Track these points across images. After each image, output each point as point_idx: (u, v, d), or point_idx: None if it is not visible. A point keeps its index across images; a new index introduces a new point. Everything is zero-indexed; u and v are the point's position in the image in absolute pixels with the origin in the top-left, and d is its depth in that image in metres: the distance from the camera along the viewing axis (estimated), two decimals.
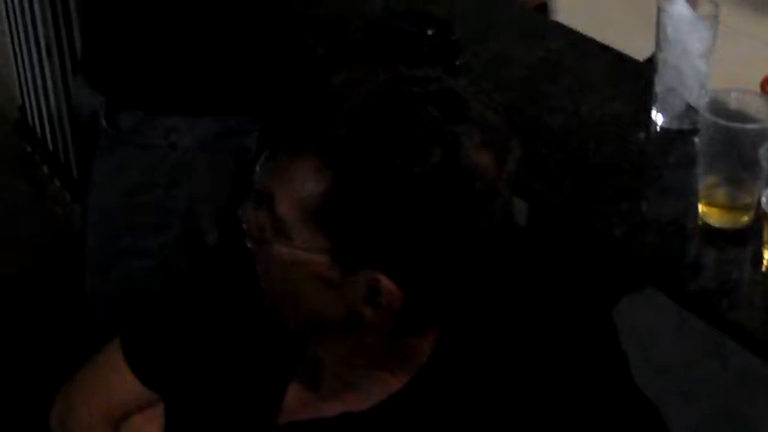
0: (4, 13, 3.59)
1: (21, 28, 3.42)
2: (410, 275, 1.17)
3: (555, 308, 1.40)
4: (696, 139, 1.58)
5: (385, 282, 1.17)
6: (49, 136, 3.53)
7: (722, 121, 1.44)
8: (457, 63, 1.79)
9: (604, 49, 1.96)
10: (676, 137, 1.70)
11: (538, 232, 1.68)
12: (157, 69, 1.83)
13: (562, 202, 1.58)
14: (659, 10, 1.66)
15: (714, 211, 1.50)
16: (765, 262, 1.43)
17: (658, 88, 1.71)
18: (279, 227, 1.20)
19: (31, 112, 3.67)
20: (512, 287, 1.37)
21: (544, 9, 2.55)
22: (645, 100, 1.75)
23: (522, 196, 1.57)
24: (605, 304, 1.58)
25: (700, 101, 1.52)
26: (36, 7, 3.18)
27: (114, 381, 1.50)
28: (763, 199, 1.41)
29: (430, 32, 1.77)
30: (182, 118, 1.83)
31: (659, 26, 1.67)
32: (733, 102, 1.50)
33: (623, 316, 1.52)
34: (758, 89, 2.23)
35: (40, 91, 3.44)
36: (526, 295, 1.39)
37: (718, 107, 1.47)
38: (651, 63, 1.75)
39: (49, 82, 3.30)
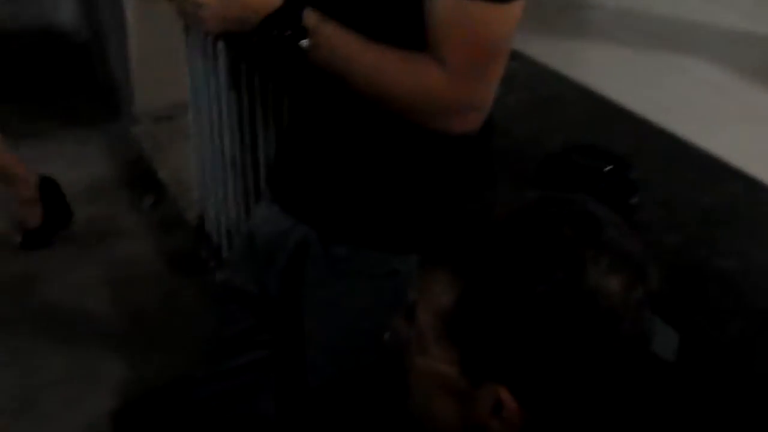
0: (192, 120, 3.74)
1: (207, 140, 3.56)
2: (530, 392, 1.19)
3: None
4: None
5: (506, 396, 1.19)
6: (224, 244, 3.64)
7: None
8: (632, 202, 1.81)
9: None
10: None
11: (686, 368, 1.65)
12: (369, 204, 1.85)
13: (726, 342, 1.57)
14: None
15: None
16: None
17: None
18: (419, 339, 1.25)
19: (210, 219, 3.80)
20: (652, 421, 1.37)
21: None
22: None
23: (678, 328, 1.56)
24: None
25: None
26: (224, 121, 3.31)
27: None
28: None
29: (607, 168, 1.79)
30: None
31: None
32: None
33: None
34: None
35: (220, 201, 3.55)
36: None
37: None
38: None
39: (230, 193, 3.41)
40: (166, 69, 4.40)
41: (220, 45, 3.19)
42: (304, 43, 1.68)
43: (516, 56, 2.01)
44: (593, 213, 1.22)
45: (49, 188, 4.07)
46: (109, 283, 3.85)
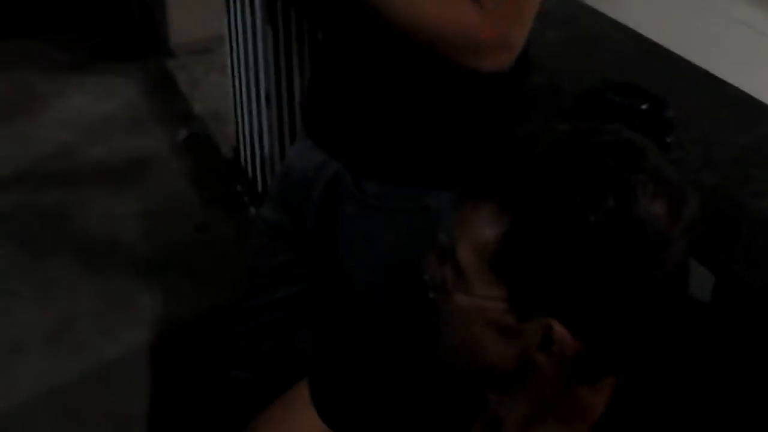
0: (228, 57, 3.73)
1: (243, 74, 3.55)
2: (583, 323, 1.18)
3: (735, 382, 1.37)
4: None
5: (559, 329, 1.18)
6: (259, 179, 3.65)
7: None
8: (668, 140, 1.79)
9: None
10: None
11: (722, 310, 1.64)
12: (400, 141, 1.84)
13: (760, 284, 1.55)
14: None
15: None
16: None
17: None
18: (459, 276, 1.23)
19: (245, 153, 3.80)
20: (692, 360, 1.36)
21: None
22: None
23: (713, 270, 1.55)
24: None
25: None
26: (260, 55, 3.29)
27: (298, 421, 1.55)
28: None
29: (643, 107, 1.77)
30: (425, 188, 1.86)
31: None
32: None
33: None
34: None
35: (255, 135, 3.56)
36: (707, 369, 1.37)
37: None
38: None
39: (265, 128, 3.41)
40: (203, 1, 4.39)
41: None
42: None
43: None
44: (633, 140, 1.20)
45: None
46: (143, 215, 3.87)
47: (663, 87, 1.92)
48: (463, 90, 1.78)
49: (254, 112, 3.52)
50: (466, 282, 1.23)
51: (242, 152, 3.84)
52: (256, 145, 3.57)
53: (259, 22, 3.23)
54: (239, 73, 3.61)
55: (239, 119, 3.78)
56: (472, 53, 1.66)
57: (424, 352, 1.43)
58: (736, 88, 2.11)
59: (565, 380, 1.23)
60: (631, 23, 2.34)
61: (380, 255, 1.92)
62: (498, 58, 1.67)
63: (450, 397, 1.41)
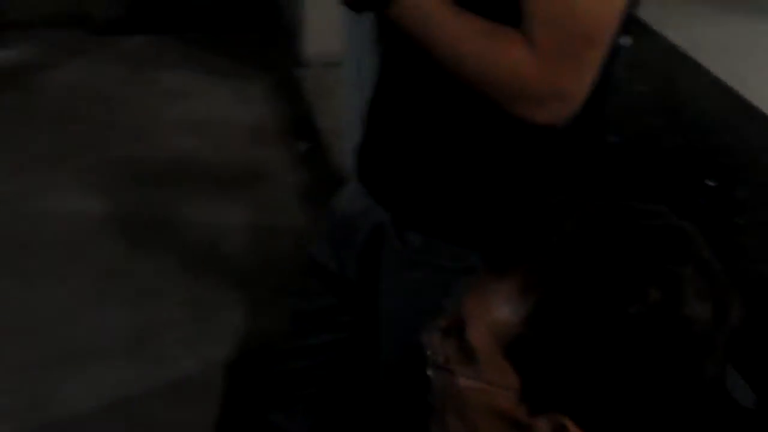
0: (343, 70, 3.65)
1: (352, 89, 3.46)
2: (602, 426, 1.05)
3: None
4: None
5: (573, 430, 1.06)
6: None
7: None
8: (739, 222, 1.61)
9: None
10: None
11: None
12: (451, 195, 1.72)
13: None
14: None
15: None
16: None
17: None
18: (467, 357, 1.12)
19: None
20: None
21: None
22: None
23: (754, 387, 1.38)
24: None
25: None
26: (367, 72, 3.20)
27: None
28: None
29: (711, 183, 1.60)
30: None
31: None
32: None
33: None
34: None
35: None
36: None
37: None
38: None
39: None
40: (339, 14, 4.32)
41: None
42: None
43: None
44: (683, 228, 1.09)
45: None
46: (248, 227, 3.82)
47: (736, 164, 1.74)
48: (521, 144, 1.64)
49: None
50: (474, 365, 1.11)
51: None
52: None
53: (368, 39, 3.15)
54: (349, 90, 3.54)
55: (349, 138, 3.69)
56: (523, 100, 1.53)
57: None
58: None
59: None
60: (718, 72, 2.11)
61: (419, 314, 1.79)
62: (551, 108, 1.52)
63: None
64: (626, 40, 1.56)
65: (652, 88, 2.06)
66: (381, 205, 1.81)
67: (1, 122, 4.47)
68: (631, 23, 1.54)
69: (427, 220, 1.74)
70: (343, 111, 3.91)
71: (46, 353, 3.12)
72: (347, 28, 3.50)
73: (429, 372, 1.19)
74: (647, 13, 1.86)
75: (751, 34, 2.35)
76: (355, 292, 1.94)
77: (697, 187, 1.59)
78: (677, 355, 1.03)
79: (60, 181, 4.05)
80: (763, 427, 1.45)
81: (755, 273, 1.49)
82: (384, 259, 1.82)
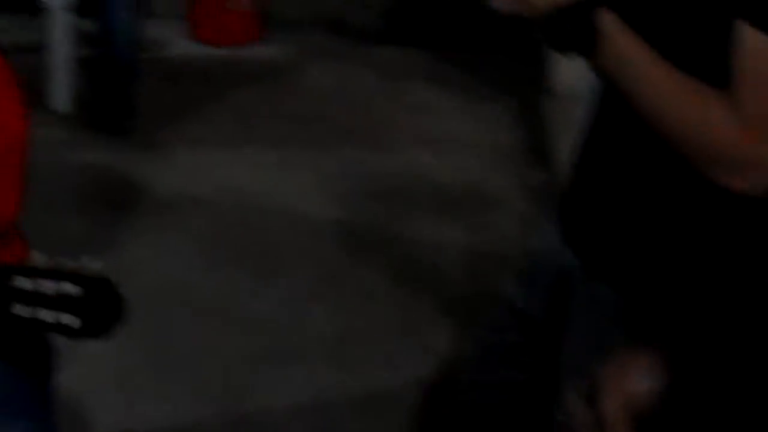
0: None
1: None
2: None
3: None
4: None
5: None
6: None
7: None
8: None
9: None
10: None
11: None
12: (648, 256, 1.67)
13: None
14: None
15: None
16: None
17: None
18: (599, 426, 1.10)
19: None
20: None
21: None
22: None
23: None
24: None
25: None
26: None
27: None
28: None
29: None
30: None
31: None
32: None
33: None
34: None
35: None
36: None
37: None
38: None
39: None
40: None
41: None
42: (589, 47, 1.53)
43: None
44: None
45: None
46: (466, 251, 3.81)
47: None
48: (720, 212, 1.57)
49: None
50: None
51: None
52: None
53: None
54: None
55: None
56: (721, 167, 1.48)
57: None
58: None
59: None
60: None
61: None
62: (751, 178, 1.47)
63: None
64: None
65: None
66: (572, 250, 1.77)
67: (251, 115, 4.63)
68: None
69: (616, 274, 1.69)
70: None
71: (253, 347, 3.22)
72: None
73: None
74: None
75: None
76: (539, 333, 1.90)
77: None
78: None
79: (299, 181, 4.17)
80: None
81: None
82: (571, 306, 1.78)
